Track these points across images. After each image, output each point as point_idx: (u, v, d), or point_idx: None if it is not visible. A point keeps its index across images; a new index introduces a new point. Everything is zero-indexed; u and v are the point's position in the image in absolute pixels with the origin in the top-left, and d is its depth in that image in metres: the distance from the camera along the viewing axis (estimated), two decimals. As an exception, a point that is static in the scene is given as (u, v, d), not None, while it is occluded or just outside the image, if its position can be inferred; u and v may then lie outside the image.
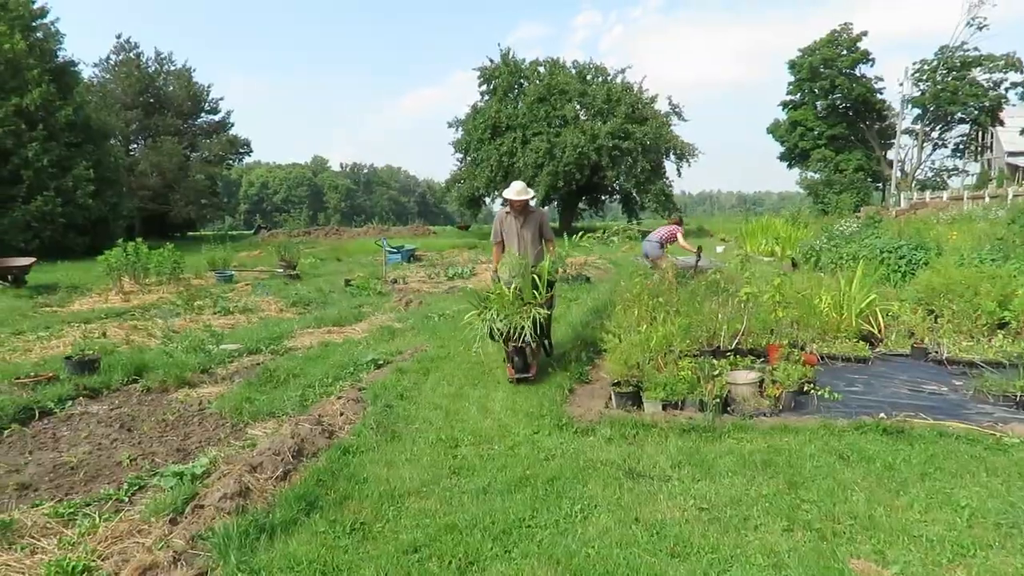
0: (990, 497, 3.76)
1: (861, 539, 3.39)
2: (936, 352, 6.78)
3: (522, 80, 39.14)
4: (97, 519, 3.74)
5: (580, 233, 18.12)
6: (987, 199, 26.45)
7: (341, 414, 5.45)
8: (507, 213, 6.96)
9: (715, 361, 6.08)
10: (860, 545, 3.34)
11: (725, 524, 3.57)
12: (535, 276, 6.54)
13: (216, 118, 52.17)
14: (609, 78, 39.26)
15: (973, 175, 46.75)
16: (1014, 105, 45.05)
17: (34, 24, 29.26)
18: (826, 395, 5.48)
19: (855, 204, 36.24)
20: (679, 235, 12.56)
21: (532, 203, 7.28)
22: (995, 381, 5.59)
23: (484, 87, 39.99)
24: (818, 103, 48.81)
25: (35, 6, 29.59)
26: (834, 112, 48.49)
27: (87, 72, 40.39)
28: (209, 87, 51.06)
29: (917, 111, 47.14)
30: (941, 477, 4.04)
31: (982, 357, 6.43)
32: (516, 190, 6.83)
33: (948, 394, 5.73)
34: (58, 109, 28.01)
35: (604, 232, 23.04)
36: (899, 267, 10.81)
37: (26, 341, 8.95)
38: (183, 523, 3.58)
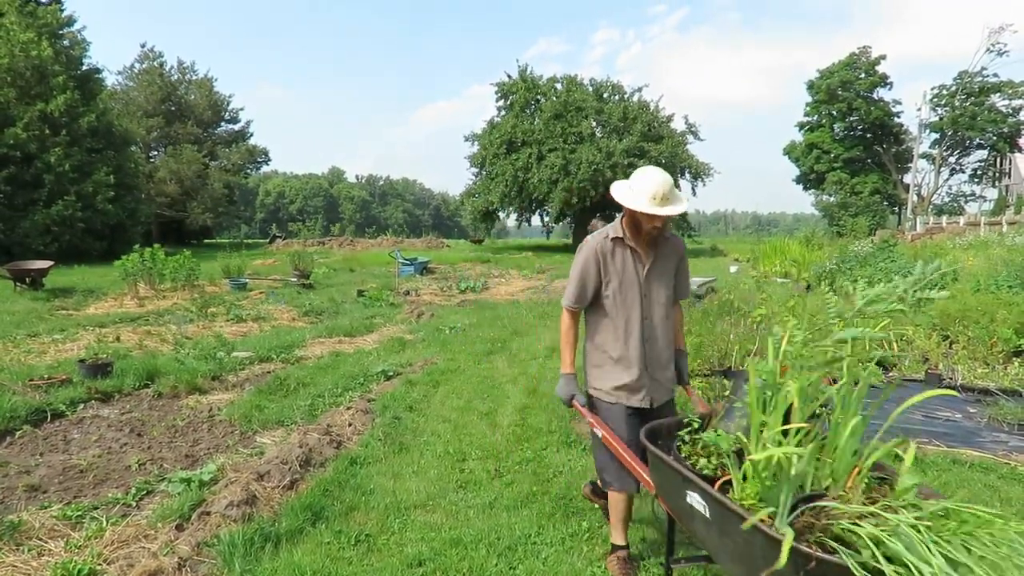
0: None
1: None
2: (951, 378, 6.70)
3: (539, 96, 39.34)
4: (104, 523, 3.75)
5: None
6: (1005, 226, 26.21)
7: (349, 424, 5.45)
8: (613, 242, 3.14)
9: (726, 381, 6.03)
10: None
11: (733, 547, 3.52)
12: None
13: (236, 127, 52.86)
14: (626, 96, 39.40)
15: (990, 201, 46.40)
16: (1033, 132, 44.74)
17: (61, 32, 29.84)
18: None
19: (870, 227, 36.04)
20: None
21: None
22: (1010, 409, 5.51)
23: (501, 102, 40.26)
24: (835, 125, 48.74)
25: (63, 14, 30.19)
26: (851, 135, 48.39)
27: (111, 79, 41.16)
28: (230, 97, 51.80)
29: (935, 136, 46.96)
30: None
31: (997, 385, 6.35)
32: (659, 193, 2.90)
33: (962, 421, 5.66)
34: (81, 115, 28.47)
35: None
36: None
37: (41, 343, 9.04)
38: (189, 529, 3.59)
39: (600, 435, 3.11)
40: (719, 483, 2.32)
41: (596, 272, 3.13)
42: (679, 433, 2.69)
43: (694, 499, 2.31)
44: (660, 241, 3.15)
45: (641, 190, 2.91)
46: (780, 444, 2.16)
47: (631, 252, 3.11)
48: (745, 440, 2.33)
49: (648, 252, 3.13)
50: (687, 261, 3.35)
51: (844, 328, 2.21)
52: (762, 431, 2.26)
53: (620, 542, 3.30)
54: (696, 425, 2.68)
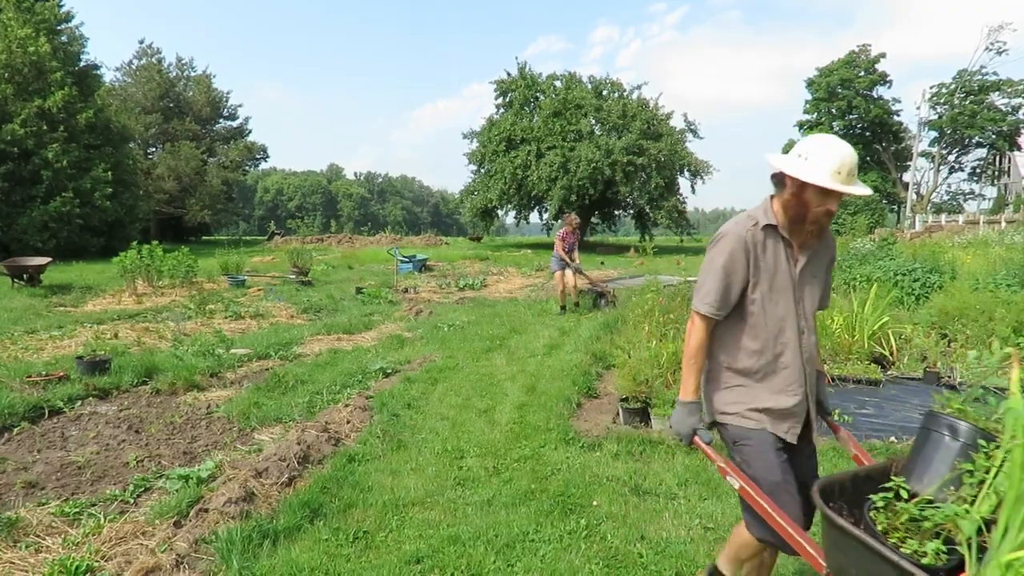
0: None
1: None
2: (949, 377, 6.70)
3: (538, 94, 39.33)
4: (102, 519, 3.74)
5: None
6: (1004, 224, 26.24)
7: (348, 422, 5.45)
8: (764, 231, 2.45)
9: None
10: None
11: (731, 545, 3.53)
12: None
13: (234, 124, 52.82)
14: (625, 94, 39.37)
15: (989, 199, 46.48)
16: (1033, 130, 44.81)
17: (59, 28, 29.80)
18: (836, 417, 5.43)
19: (870, 225, 36.06)
20: (556, 242, 11.64)
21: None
22: (1009, 408, 5.51)
23: (500, 100, 40.26)
24: (835, 124, 48.77)
25: (61, 10, 30.12)
26: (850, 133, 48.42)
27: (109, 76, 41.05)
28: (228, 93, 51.76)
29: (934, 134, 47.01)
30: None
31: (996, 384, 6.34)
32: (845, 166, 2.27)
33: (961, 420, 5.65)
34: (79, 112, 28.42)
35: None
36: (913, 290, 10.72)
37: (39, 340, 9.02)
38: (187, 526, 3.59)
39: (737, 486, 2.36)
40: None
41: (745, 268, 2.41)
42: (871, 496, 1.96)
43: None
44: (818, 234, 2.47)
45: (820, 162, 2.25)
46: None
47: (784, 245, 2.44)
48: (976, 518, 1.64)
49: (804, 246, 2.46)
50: (834, 264, 2.71)
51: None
52: None
53: None
54: (902, 487, 1.89)
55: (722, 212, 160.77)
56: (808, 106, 50.25)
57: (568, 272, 11.51)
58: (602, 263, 23.99)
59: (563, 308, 11.54)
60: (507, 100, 39.73)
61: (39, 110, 26.86)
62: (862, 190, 2.32)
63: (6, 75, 26.62)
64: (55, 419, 5.74)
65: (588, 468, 4.58)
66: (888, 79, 47.87)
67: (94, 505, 3.98)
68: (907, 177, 48.11)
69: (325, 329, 10.06)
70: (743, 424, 2.46)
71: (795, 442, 2.48)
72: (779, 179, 2.39)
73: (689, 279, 11.76)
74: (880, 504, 1.91)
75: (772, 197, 2.46)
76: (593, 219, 43.42)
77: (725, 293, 2.43)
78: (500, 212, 41.36)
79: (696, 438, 2.46)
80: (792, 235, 2.43)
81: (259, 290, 15.40)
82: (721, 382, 2.55)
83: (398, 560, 3.35)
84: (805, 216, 2.36)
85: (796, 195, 2.35)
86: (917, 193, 46.37)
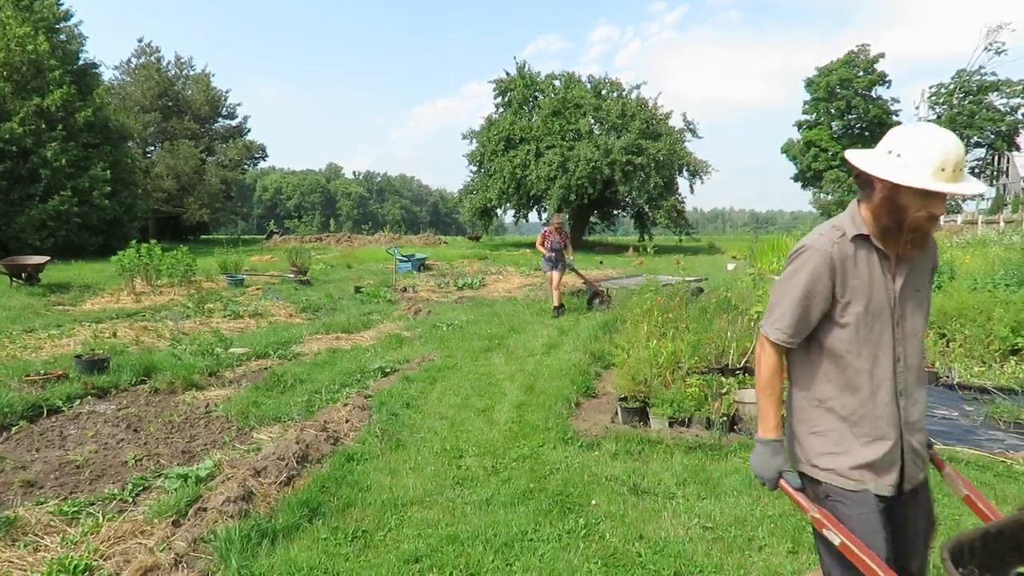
0: (1000, 526, 3.69)
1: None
2: (947, 376, 6.71)
3: (537, 93, 39.31)
4: (100, 518, 3.74)
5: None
6: (1002, 224, 26.27)
7: (347, 421, 5.45)
8: (855, 243, 2.06)
9: (723, 379, 6.04)
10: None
11: (729, 544, 3.53)
12: None
13: (233, 123, 52.76)
14: (624, 93, 39.35)
15: (988, 199, 46.51)
16: (1031, 130, 44.90)
17: (58, 26, 29.76)
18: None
19: (868, 225, 36.06)
20: (538, 243, 11.74)
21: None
22: (1007, 408, 5.52)
23: (499, 99, 40.23)
24: (833, 123, 48.83)
25: (60, 9, 30.08)
26: (849, 133, 48.51)
27: (108, 74, 40.97)
28: (227, 92, 51.67)
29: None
30: (950, 503, 3.99)
31: (994, 383, 6.36)
32: (950, 161, 1.87)
33: (958, 419, 5.67)
34: (78, 110, 28.40)
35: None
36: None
37: (38, 339, 9.01)
38: (186, 525, 3.59)
39: (838, 542, 1.97)
40: None
41: (829, 288, 2.04)
42: (1009, 561, 1.68)
43: None
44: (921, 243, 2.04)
45: (918, 158, 1.87)
46: None
47: (879, 257, 2.05)
48: None
49: (903, 258, 2.06)
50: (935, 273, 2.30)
51: None
52: None
53: None
54: None
55: (721, 212, 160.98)
56: (807, 106, 50.33)
57: (555, 272, 11.49)
58: (601, 263, 23.98)
59: (558, 309, 11.42)
60: (506, 99, 39.70)
61: (38, 109, 26.84)
62: (974, 188, 1.93)
63: (4, 73, 26.60)
64: (54, 418, 5.74)
65: (587, 467, 4.58)
66: (887, 79, 48.00)
67: (93, 504, 3.98)
68: (906, 177, 48.16)
69: (324, 328, 10.06)
70: (841, 485, 2.06)
71: (898, 493, 2.09)
72: (865, 181, 2.00)
73: (688, 279, 11.79)
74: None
75: (859, 202, 2.08)
76: (592, 219, 43.42)
77: (802, 317, 2.07)
78: (499, 211, 41.33)
79: (783, 482, 2.11)
80: (887, 245, 2.03)
81: (258, 289, 15.40)
82: (811, 423, 2.15)
83: (397, 559, 3.35)
84: (902, 223, 1.96)
85: (889, 200, 1.95)
86: (916, 193, 46.40)
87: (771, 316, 2.13)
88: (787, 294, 2.08)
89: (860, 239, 2.04)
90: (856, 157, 2.01)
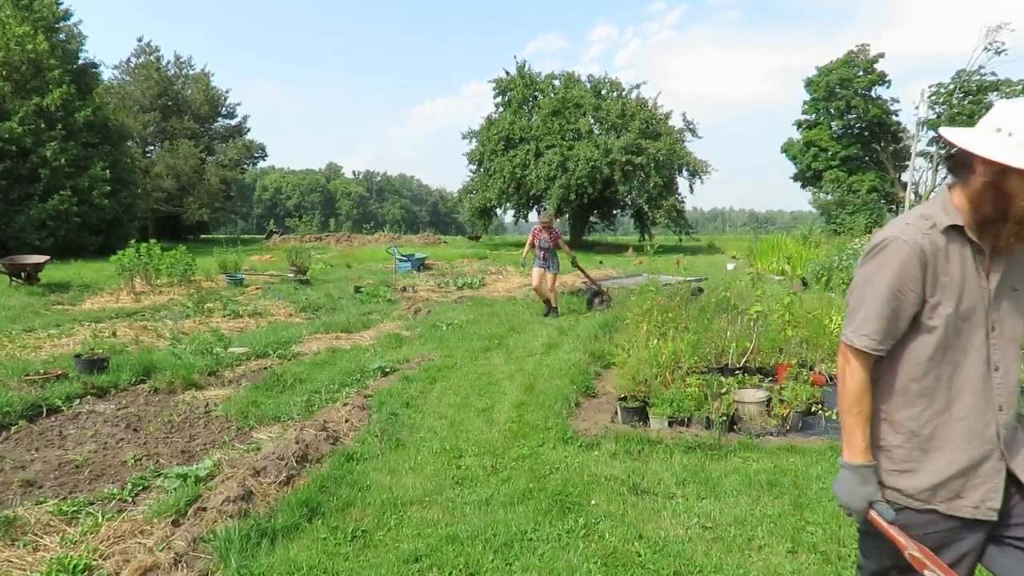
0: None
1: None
2: None
3: (537, 93, 39.30)
4: (100, 518, 3.75)
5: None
6: None
7: (346, 421, 5.45)
8: (946, 235, 1.81)
9: (723, 379, 6.04)
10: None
11: (729, 544, 3.53)
12: None
13: (233, 122, 52.71)
14: (624, 93, 39.34)
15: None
16: (1031, 130, 44.88)
17: (57, 25, 29.73)
18: (834, 416, 5.43)
19: (868, 225, 36.08)
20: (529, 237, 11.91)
21: None
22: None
23: (499, 99, 40.21)
24: (833, 123, 48.74)
25: (60, 8, 30.06)
26: (849, 133, 48.42)
27: (107, 74, 40.89)
28: (227, 92, 51.63)
29: (932, 134, 47.01)
30: None
31: None
32: None
33: None
34: (77, 110, 28.35)
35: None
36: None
37: (37, 338, 9.01)
38: (185, 525, 3.59)
39: None
40: None
41: (920, 286, 1.80)
42: None
43: None
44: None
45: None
46: None
47: (972, 251, 1.81)
48: None
49: (999, 252, 1.81)
50: None
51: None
52: None
53: None
54: None
55: (720, 212, 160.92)
56: (807, 106, 50.25)
57: (536, 271, 11.49)
58: (600, 262, 23.97)
59: (549, 309, 11.41)
60: (506, 99, 39.67)
61: (37, 108, 26.81)
62: None
63: (4, 73, 26.56)
64: (53, 417, 5.74)
65: (586, 467, 4.58)
66: (887, 79, 47.85)
67: (92, 504, 3.99)
68: (905, 177, 48.08)
69: (323, 328, 10.06)
70: (909, 505, 1.85)
71: (991, 518, 1.81)
72: (963, 163, 1.77)
73: (688, 279, 11.78)
74: None
75: (951, 188, 1.86)
76: (592, 218, 43.42)
77: (892, 321, 1.82)
78: (499, 211, 41.34)
79: (873, 513, 1.84)
80: (982, 237, 1.80)
81: (257, 289, 15.39)
82: (883, 440, 1.92)
83: (396, 559, 3.35)
84: (1007, 212, 1.71)
85: (994, 185, 1.70)
86: (916, 193, 46.36)
87: (853, 321, 1.88)
88: (871, 294, 1.83)
89: (953, 231, 1.80)
90: (956, 135, 1.76)
